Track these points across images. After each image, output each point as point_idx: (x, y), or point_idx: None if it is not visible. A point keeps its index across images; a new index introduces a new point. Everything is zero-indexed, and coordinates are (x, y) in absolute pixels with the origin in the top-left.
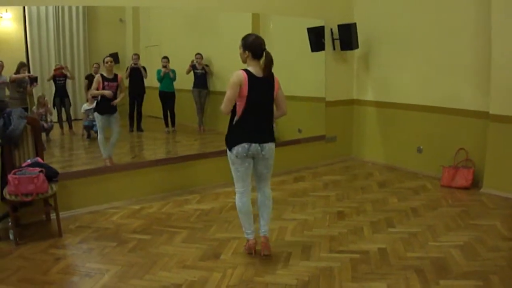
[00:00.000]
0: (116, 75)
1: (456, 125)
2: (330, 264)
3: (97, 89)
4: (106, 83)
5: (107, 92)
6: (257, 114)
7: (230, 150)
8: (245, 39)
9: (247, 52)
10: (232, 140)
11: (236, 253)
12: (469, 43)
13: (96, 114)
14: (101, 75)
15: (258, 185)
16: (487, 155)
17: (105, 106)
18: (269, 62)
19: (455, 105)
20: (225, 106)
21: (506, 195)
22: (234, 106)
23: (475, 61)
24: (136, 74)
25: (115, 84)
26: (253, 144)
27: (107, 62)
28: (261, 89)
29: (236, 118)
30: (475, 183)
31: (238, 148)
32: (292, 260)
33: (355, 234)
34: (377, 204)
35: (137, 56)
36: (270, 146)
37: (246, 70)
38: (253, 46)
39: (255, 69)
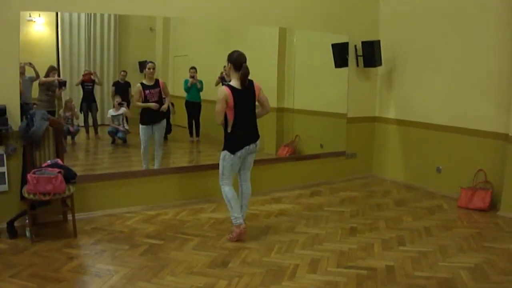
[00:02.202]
0: (157, 81)
1: (476, 146)
2: (336, 279)
3: (140, 100)
4: (147, 91)
5: (153, 105)
6: (246, 119)
7: (233, 153)
8: (230, 54)
9: (229, 64)
10: (234, 146)
11: (244, 263)
12: (491, 64)
13: (140, 126)
14: (141, 84)
15: (243, 176)
16: (505, 178)
17: (150, 116)
18: (243, 75)
19: (475, 125)
20: (217, 118)
21: None
22: (226, 117)
23: (497, 82)
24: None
25: (157, 90)
26: (251, 144)
27: (149, 68)
28: (244, 98)
29: (230, 126)
30: (493, 205)
31: (242, 151)
32: (299, 272)
33: (365, 251)
34: (391, 222)
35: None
36: (259, 142)
37: (228, 85)
38: (234, 60)
39: (235, 82)
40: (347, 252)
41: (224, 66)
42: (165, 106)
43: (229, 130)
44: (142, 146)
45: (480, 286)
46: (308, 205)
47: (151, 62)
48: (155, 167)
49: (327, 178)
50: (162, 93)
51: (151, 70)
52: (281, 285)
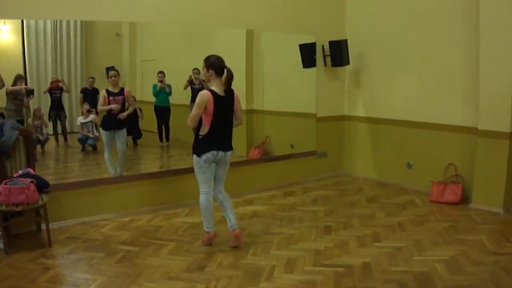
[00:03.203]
0: (122, 89)
1: (445, 141)
2: (313, 278)
3: (104, 105)
4: (111, 97)
5: (113, 106)
6: (221, 127)
7: (199, 156)
8: (207, 59)
9: (210, 70)
10: (201, 148)
11: (220, 266)
12: (458, 60)
13: (101, 130)
14: (107, 90)
15: (217, 188)
16: (475, 171)
17: (110, 122)
18: (230, 77)
19: (444, 121)
20: (191, 122)
21: (494, 210)
22: (200, 120)
23: (465, 78)
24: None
25: (121, 98)
26: (220, 152)
27: (111, 77)
28: (224, 106)
29: (203, 131)
30: (464, 199)
31: (208, 155)
32: (276, 273)
33: (340, 248)
34: (364, 219)
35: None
36: (230, 153)
37: (211, 90)
38: (215, 65)
39: (218, 88)
40: (323, 251)
41: (193, 69)
42: (124, 114)
43: (200, 133)
44: (105, 152)
45: (456, 278)
46: (282, 206)
47: (113, 70)
48: (118, 172)
49: (299, 178)
50: (126, 101)
51: (113, 78)
52: (258, 286)
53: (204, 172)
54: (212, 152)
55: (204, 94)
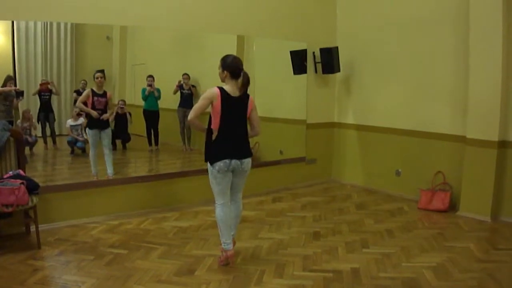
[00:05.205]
0: (105, 92)
1: (434, 148)
2: (302, 283)
3: (86, 104)
4: (95, 98)
5: (94, 113)
6: (233, 131)
7: (211, 165)
8: (224, 59)
9: (225, 72)
10: (213, 156)
11: (210, 270)
12: (448, 69)
13: (87, 129)
14: (92, 90)
15: (232, 196)
16: (463, 179)
17: (95, 121)
18: (246, 82)
19: (433, 129)
20: (191, 113)
21: (481, 218)
22: (210, 124)
23: (453, 87)
24: None
25: (104, 100)
26: (234, 160)
27: (97, 78)
28: (235, 107)
29: (214, 135)
30: (452, 206)
31: (220, 164)
32: (266, 277)
33: (329, 254)
34: (353, 225)
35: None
36: (248, 161)
37: (220, 88)
38: (232, 67)
39: (232, 88)
40: (312, 256)
41: (183, 74)
42: (107, 115)
43: (212, 138)
44: (91, 151)
45: (443, 284)
46: (271, 211)
47: (99, 71)
48: (108, 172)
49: (287, 184)
50: (107, 105)
51: (99, 79)
52: None
53: (219, 183)
54: (225, 161)
55: (211, 90)
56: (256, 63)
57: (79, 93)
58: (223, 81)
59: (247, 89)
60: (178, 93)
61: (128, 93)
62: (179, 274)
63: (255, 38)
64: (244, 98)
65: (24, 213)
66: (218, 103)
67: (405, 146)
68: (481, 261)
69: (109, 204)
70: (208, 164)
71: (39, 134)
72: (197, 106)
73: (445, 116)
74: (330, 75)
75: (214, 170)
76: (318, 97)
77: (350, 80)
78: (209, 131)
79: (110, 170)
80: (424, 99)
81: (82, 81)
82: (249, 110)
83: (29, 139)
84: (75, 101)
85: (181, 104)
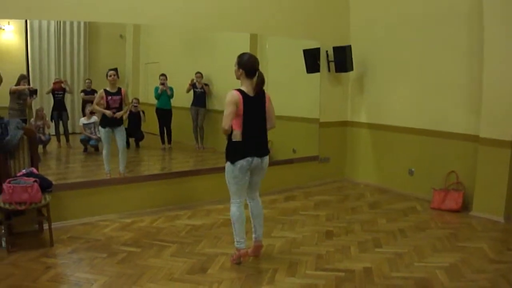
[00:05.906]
0: (119, 89)
1: (447, 148)
2: (315, 282)
3: (100, 105)
4: (109, 97)
5: (108, 113)
6: (255, 130)
7: (233, 164)
8: (240, 57)
9: (241, 70)
10: (235, 155)
11: (223, 268)
12: (461, 68)
13: (100, 127)
14: (105, 90)
15: (251, 194)
16: (476, 179)
17: (108, 119)
18: (261, 82)
19: (446, 128)
20: (225, 123)
21: (495, 218)
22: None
23: (467, 86)
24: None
25: (118, 98)
26: (255, 158)
27: (110, 76)
28: (255, 106)
29: (235, 137)
30: (465, 206)
31: (243, 162)
32: (278, 276)
33: (342, 253)
34: (366, 225)
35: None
36: (267, 158)
37: (239, 90)
38: (248, 65)
39: (247, 88)
40: (325, 255)
41: (196, 73)
42: (120, 113)
43: (233, 139)
44: (104, 149)
45: (456, 284)
46: (283, 210)
47: (112, 69)
48: (120, 170)
49: (301, 182)
50: (123, 101)
51: (112, 77)
52: None
53: (237, 182)
54: (247, 159)
55: (232, 93)
56: (269, 62)
57: (86, 92)
58: (238, 78)
59: (262, 88)
60: (191, 91)
61: (141, 92)
62: (192, 272)
63: (268, 36)
64: (261, 96)
65: (37, 211)
66: (241, 106)
67: (418, 145)
68: (494, 261)
69: (122, 202)
70: (228, 163)
71: (53, 132)
72: (227, 113)
73: (459, 115)
74: (343, 74)
75: (236, 168)
76: (331, 96)
77: (363, 79)
78: (230, 132)
79: (122, 168)
80: (437, 98)
81: (87, 80)
82: (266, 105)
83: (42, 137)
84: (83, 101)
85: (194, 103)
